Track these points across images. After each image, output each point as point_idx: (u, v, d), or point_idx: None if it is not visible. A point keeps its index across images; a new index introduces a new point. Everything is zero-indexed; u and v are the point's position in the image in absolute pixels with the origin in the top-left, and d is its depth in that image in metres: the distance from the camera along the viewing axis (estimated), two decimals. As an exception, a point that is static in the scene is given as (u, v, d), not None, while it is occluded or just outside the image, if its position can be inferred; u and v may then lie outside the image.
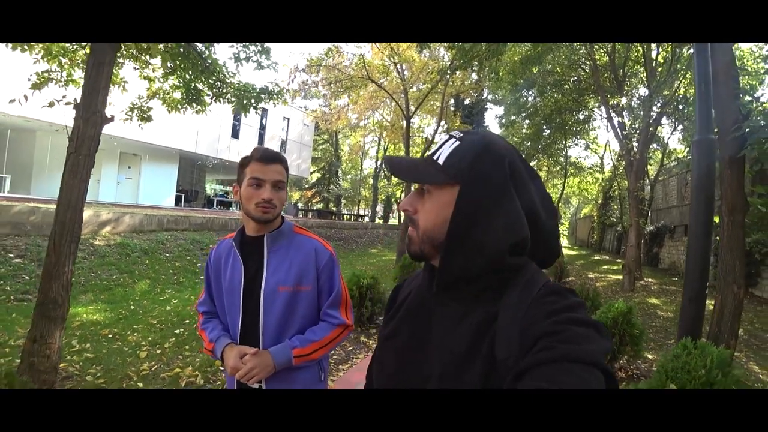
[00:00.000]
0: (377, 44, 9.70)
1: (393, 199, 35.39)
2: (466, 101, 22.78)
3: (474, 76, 12.88)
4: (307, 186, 32.71)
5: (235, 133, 19.17)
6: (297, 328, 1.29)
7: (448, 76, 9.96)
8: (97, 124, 3.11)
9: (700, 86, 2.43)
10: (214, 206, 20.38)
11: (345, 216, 26.88)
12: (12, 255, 6.07)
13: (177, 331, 4.41)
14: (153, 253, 7.40)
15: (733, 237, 3.61)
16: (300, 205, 30.78)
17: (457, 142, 0.65)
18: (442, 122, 13.94)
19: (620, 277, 9.83)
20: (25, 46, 4.23)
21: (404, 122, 11.17)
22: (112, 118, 3.26)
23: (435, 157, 0.65)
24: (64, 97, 3.47)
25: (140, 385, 3.17)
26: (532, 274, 0.62)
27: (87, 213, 7.44)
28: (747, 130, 3.35)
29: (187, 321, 4.79)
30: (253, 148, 1.39)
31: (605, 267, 13.92)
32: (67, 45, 4.77)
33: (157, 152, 15.86)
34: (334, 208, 31.50)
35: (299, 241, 1.35)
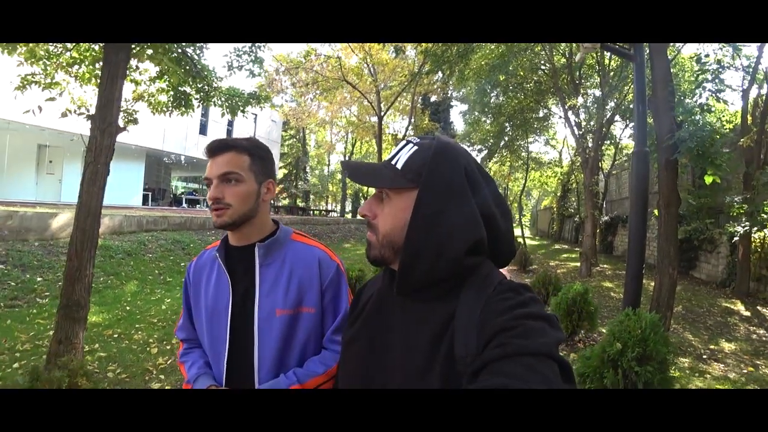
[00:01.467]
0: (353, 46, 10.05)
1: (361, 194, 35.90)
2: (432, 98, 23.51)
3: (440, 74, 13.48)
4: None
5: (203, 130, 18.94)
6: (298, 355, 1.08)
7: (418, 78, 10.46)
8: (112, 134, 3.34)
9: (638, 107, 3.01)
10: (183, 204, 20.07)
11: (314, 212, 27.02)
12: (-7, 261, 6.01)
13: (180, 328, 4.66)
14: (136, 255, 7.46)
15: (668, 227, 4.30)
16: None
17: (415, 147, 0.66)
18: (412, 119, 14.51)
19: (578, 264, 10.73)
20: (8, 46, 4.27)
21: (371, 118, 11.62)
22: (124, 128, 3.47)
23: (393, 162, 0.67)
24: (78, 107, 3.64)
25: (161, 377, 3.46)
26: (488, 272, 0.64)
27: (66, 216, 7.38)
28: (677, 138, 4.02)
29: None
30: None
31: (565, 255, 14.97)
32: (51, 48, 4.84)
33: (123, 150, 15.42)
34: (302, 204, 31.62)
35: (298, 250, 1.12)
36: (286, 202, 32.72)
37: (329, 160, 36.06)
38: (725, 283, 8.38)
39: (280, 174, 31.65)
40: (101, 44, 4.95)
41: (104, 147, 3.27)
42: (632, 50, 3.35)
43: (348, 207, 34.98)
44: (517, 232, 15.39)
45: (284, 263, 1.09)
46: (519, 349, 0.49)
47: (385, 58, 10.28)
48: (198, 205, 20.75)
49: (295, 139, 32.91)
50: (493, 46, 9.84)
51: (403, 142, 0.69)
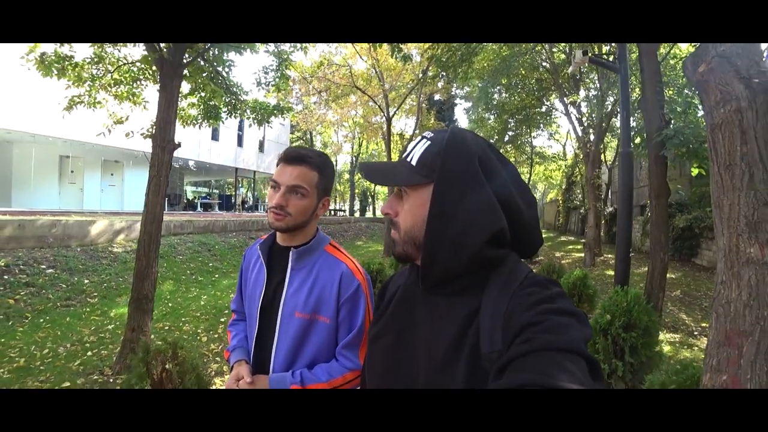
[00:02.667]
0: (361, 52, 10.57)
1: (369, 193, 36.58)
2: (437, 97, 23.95)
3: (444, 75, 13.99)
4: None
5: (215, 136, 19.53)
6: (309, 358, 1.17)
7: (423, 82, 10.96)
8: (171, 151, 3.86)
9: (623, 113, 3.49)
10: (198, 209, 20.70)
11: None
12: (44, 266, 6.59)
13: (222, 319, 5.21)
14: (167, 257, 8.04)
15: (659, 216, 4.75)
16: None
17: (428, 142, 0.66)
18: (419, 120, 15.00)
19: (583, 254, 11.19)
20: (55, 71, 4.76)
21: (377, 119, 12.12)
22: (179, 145, 3.97)
23: (408, 159, 0.67)
24: (142, 128, 4.16)
25: (218, 359, 4.00)
26: (513, 266, 0.63)
27: (103, 223, 7.98)
28: (664, 135, 4.48)
29: (226, 311, 5.59)
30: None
31: (570, 247, 15.38)
32: (94, 71, 5.38)
33: (140, 158, 16.07)
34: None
35: (326, 262, 1.20)
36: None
37: (336, 161, 36.72)
38: (724, 268, 8.74)
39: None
40: (140, 66, 5.50)
41: (165, 162, 3.79)
42: (617, 62, 3.81)
43: (356, 206, 35.62)
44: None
45: (311, 271, 1.18)
46: (546, 344, 0.48)
47: (392, 62, 10.81)
48: (210, 209, 21.43)
49: (302, 141, 33.56)
50: (495, 46, 10.28)
51: (418, 137, 0.70)
